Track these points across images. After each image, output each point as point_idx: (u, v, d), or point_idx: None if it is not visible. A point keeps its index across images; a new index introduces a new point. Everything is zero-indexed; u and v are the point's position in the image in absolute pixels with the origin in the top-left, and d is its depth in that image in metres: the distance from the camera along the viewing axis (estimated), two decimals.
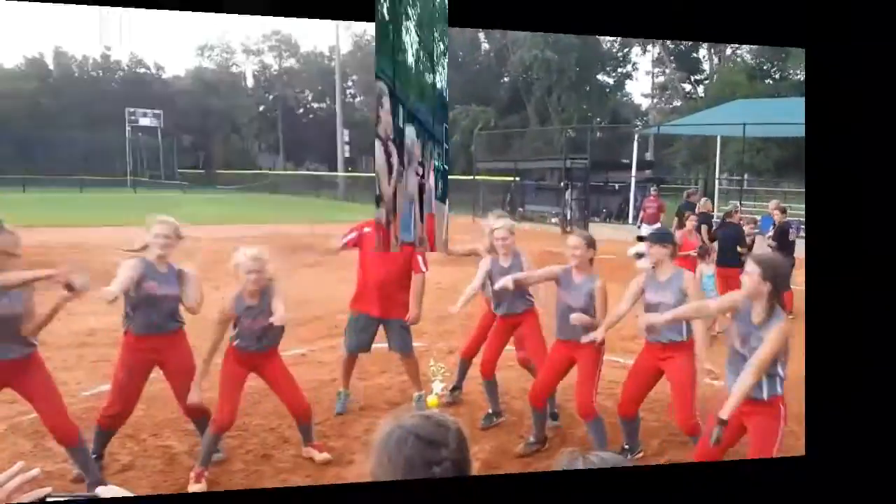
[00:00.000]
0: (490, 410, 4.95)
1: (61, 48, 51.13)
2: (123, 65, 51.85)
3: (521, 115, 38.85)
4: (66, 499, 0.97)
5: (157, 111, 46.31)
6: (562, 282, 4.22)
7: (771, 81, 34.10)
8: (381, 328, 5.02)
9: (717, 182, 24.81)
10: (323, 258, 12.06)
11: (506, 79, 40.31)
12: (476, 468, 3.96)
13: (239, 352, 3.92)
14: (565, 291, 4.20)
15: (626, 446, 4.29)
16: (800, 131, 18.93)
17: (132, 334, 3.82)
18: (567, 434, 4.77)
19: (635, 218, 19.05)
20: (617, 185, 23.62)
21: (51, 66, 49.48)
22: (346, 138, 41.55)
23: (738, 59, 37.54)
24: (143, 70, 52.55)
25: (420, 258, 4.92)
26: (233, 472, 4.00)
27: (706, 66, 40.80)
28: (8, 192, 30.91)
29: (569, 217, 21.16)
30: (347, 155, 42.97)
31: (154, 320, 3.80)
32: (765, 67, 35.31)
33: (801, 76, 33.13)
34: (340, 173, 40.16)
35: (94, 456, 3.80)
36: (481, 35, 43.68)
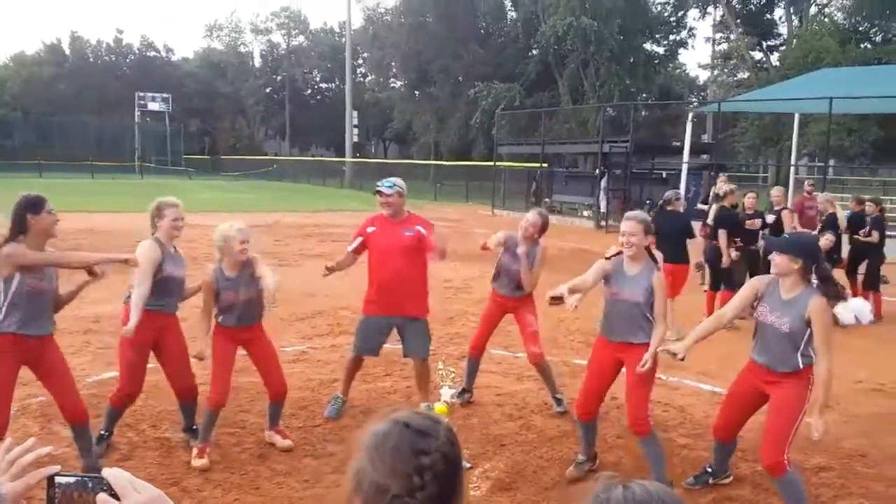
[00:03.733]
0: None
1: (77, 32, 60.24)
2: (135, 48, 60.11)
3: (552, 93, 39.25)
4: (75, 479, 1.10)
5: (165, 95, 53.73)
6: (612, 274, 4.44)
7: (869, 46, 33.66)
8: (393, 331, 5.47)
9: (792, 169, 24.90)
10: (327, 250, 12.67)
11: (534, 51, 40.77)
12: (487, 487, 4.40)
13: (225, 329, 4.69)
14: (617, 285, 4.40)
15: (709, 469, 4.47)
16: None
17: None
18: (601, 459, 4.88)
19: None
20: (665, 173, 23.85)
21: (67, 52, 57.63)
22: (355, 120, 43.29)
23: (826, 20, 37.17)
24: (153, 53, 60.89)
25: (431, 241, 5.31)
26: (229, 471, 4.53)
27: (783, 29, 40.79)
28: (27, 177, 37.05)
29: (604, 209, 21.44)
30: (356, 139, 44.75)
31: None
32: (861, 28, 34.80)
33: None
34: (349, 159, 41.99)
35: (106, 434, 4.74)
36: (507, 2, 44.30)
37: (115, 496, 1.07)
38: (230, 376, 4.77)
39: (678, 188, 21.42)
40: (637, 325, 4.33)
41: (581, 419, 4.66)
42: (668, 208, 8.49)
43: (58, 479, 1.11)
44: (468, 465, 3.83)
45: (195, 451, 4.60)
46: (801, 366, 3.89)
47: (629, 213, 4.55)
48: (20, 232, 4.01)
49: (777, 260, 3.95)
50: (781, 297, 3.94)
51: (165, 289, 4.61)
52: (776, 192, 10.34)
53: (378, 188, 5.28)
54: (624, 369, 4.48)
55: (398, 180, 5.34)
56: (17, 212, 4.02)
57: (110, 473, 1.10)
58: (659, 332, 4.29)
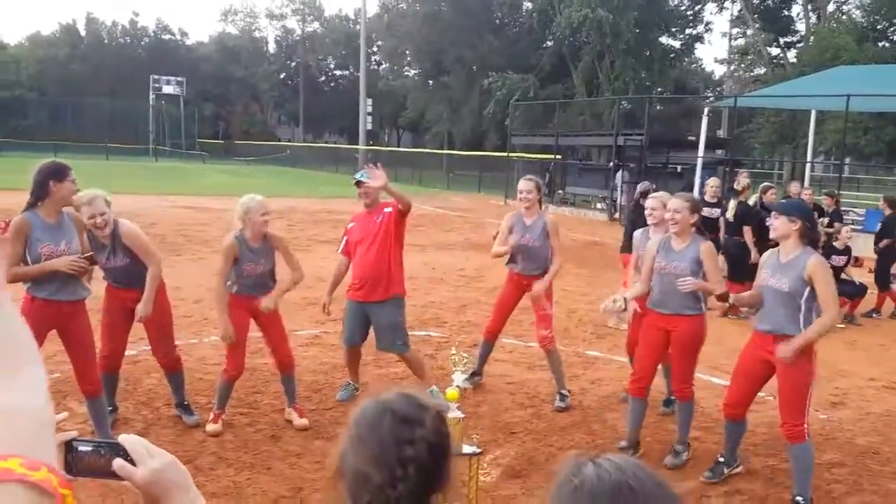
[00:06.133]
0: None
1: (93, 14, 60.49)
2: (150, 31, 60.11)
3: (566, 85, 39.06)
4: (91, 445, 1.11)
5: (180, 78, 53.60)
6: (660, 250, 4.66)
7: (887, 45, 33.39)
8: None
9: (807, 167, 24.76)
10: (339, 236, 12.70)
11: (549, 43, 40.60)
12: (497, 474, 4.40)
13: (239, 298, 4.79)
14: (664, 259, 4.61)
15: (721, 458, 4.49)
16: None
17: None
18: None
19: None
20: (679, 168, 23.77)
21: (83, 33, 57.84)
22: (369, 108, 43.29)
23: (844, 17, 36.89)
24: (167, 36, 60.97)
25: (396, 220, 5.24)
26: (242, 450, 4.56)
27: (800, 25, 40.42)
28: (41, 157, 35.24)
29: (618, 202, 21.43)
30: (369, 127, 44.80)
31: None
32: (879, 27, 34.53)
33: None
34: (361, 146, 42.04)
35: (111, 409, 4.74)
36: None
37: (131, 462, 1.08)
38: (244, 349, 4.87)
39: (693, 182, 21.38)
40: (687, 296, 4.51)
41: (633, 395, 4.79)
42: (643, 201, 8.61)
43: (75, 445, 1.11)
44: (478, 451, 3.83)
45: (211, 416, 4.77)
46: (804, 329, 3.98)
47: (679, 194, 4.88)
48: (39, 198, 4.01)
49: (776, 223, 4.09)
50: (780, 261, 4.08)
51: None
52: (712, 181, 10.21)
53: (357, 179, 5.28)
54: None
55: None
56: (40, 178, 4.00)
57: (126, 439, 1.10)
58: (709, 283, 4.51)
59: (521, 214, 5.65)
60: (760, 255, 8.55)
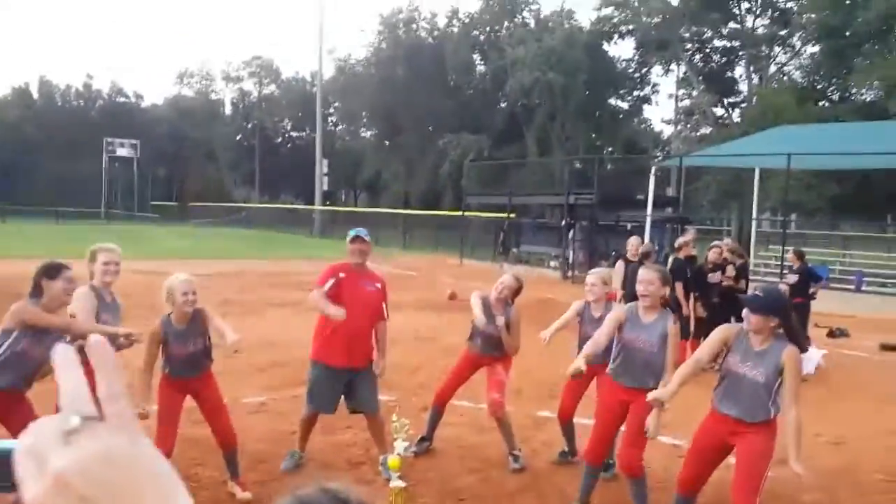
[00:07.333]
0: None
1: (46, 77, 59.81)
2: (104, 94, 60.27)
3: (519, 145, 39.93)
4: None
5: (133, 141, 53.52)
6: (628, 321, 4.64)
7: (827, 104, 34.88)
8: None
9: (753, 223, 25.45)
10: (294, 299, 12.59)
11: (503, 104, 41.58)
12: None
13: (172, 379, 4.67)
14: (632, 332, 4.60)
15: None
16: (861, 163, 19.21)
17: None
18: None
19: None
20: (629, 225, 24.30)
21: (35, 95, 57.80)
22: (325, 169, 43.47)
23: (785, 79, 38.61)
24: (122, 99, 61.14)
25: (384, 304, 5.41)
26: None
27: (743, 86, 42.08)
28: None
29: (570, 260, 21.85)
30: (326, 188, 44.90)
31: None
32: (819, 87, 36.05)
33: (868, 96, 33.54)
34: (318, 207, 41.97)
35: None
36: (476, 56, 45.29)
37: None
38: (176, 427, 4.70)
39: (642, 240, 21.78)
40: (650, 370, 4.52)
41: (590, 463, 4.82)
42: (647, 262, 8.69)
43: None
44: None
45: None
46: (772, 415, 3.96)
47: (649, 265, 4.99)
48: (36, 294, 4.19)
49: (753, 319, 3.97)
50: (754, 349, 3.98)
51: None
52: (633, 240, 10.09)
53: (358, 234, 5.26)
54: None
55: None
56: (35, 276, 4.23)
57: None
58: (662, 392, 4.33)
59: (492, 303, 5.67)
60: (704, 309, 8.79)
